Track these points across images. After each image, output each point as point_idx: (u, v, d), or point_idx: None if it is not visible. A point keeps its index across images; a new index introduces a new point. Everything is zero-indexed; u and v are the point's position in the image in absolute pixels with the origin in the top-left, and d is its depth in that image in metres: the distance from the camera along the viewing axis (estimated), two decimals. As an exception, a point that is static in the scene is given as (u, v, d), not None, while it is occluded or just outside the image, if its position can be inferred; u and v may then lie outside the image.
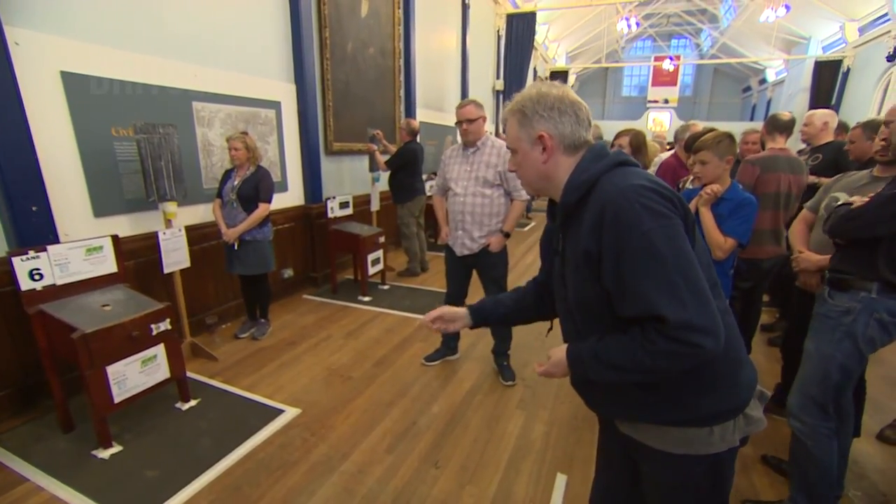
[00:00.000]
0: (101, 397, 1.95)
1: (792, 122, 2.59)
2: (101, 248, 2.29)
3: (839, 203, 1.59)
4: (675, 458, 0.93)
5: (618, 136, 2.86)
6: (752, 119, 18.17)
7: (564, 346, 0.97)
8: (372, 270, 4.11)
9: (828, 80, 9.88)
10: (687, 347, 0.77)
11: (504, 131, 1.03)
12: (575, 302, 0.94)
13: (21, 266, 1.99)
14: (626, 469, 1.11)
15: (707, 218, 1.88)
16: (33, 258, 2.03)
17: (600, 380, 0.91)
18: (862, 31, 9.25)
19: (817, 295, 1.69)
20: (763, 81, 17.40)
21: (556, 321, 1.24)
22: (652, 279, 0.77)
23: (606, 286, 0.84)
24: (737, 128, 2.80)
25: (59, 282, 2.12)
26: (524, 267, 5.32)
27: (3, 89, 2.03)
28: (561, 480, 1.90)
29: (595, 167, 0.88)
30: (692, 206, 1.92)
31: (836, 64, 9.78)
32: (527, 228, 7.77)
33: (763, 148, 2.79)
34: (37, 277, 2.04)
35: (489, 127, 8.06)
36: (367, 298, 4.03)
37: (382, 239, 4.23)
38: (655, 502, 1.05)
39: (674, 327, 0.76)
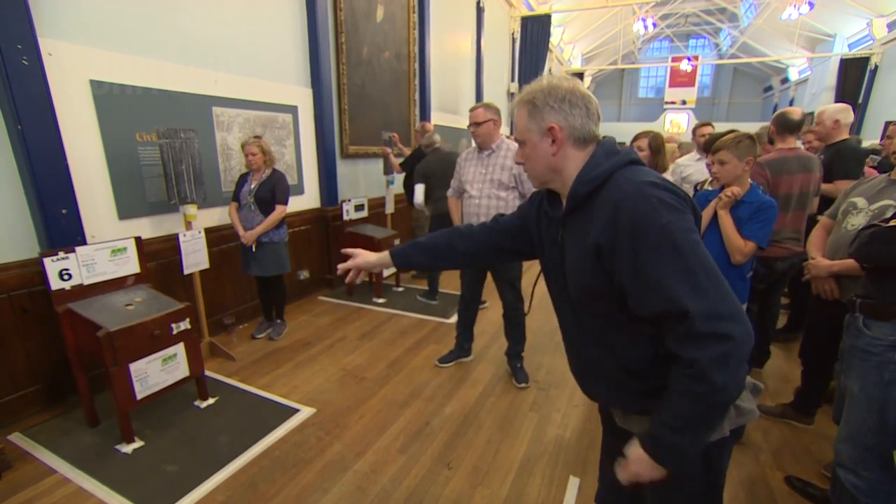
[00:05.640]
0: (125, 394, 2.01)
1: (802, 122, 2.46)
2: (124, 249, 2.37)
3: (864, 226, 1.42)
4: None
5: (636, 137, 2.83)
6: (773, 119, 17.71)
7: (636, 443, 0.91)
8: (387, 272, 4.15)
9: (854, 79, 9.60)
10: (718, 342, 0.75)
11: (512, 122, 1.02)
12: (575, 293, 0.95)
13: (51, 266, 2.08)
14: None
15: (727, 222, 1.84)
16: (63, 259, 2.11)
17: (698, 446, 0.85)
18: (891, 27, 8.94)
19: (847, 322, 1.48)
20: (785, 80, 16.96)
21: (535, 303, 1.26)
22: (673, 271, 0.78)
23: (621, 282, 0.83)
24: (757, 129, 2.73)
25: (87, 282, 2.20)
26: (539, 268, 5.27)
27: (38, 98, 2.12)
28: (574, 483, 1.88)
29: (609, 162, 0.89)
30: (710, 208, 1.89)
31: (863, 61, 9.50)
32: (541, 231, 7.71)
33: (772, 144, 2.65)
34: (66, 277, 2.13)
35: (504, 130, 8.05)
36: (381, 300, 4.07)
37: (397, 241, 4.25)
38: (655, 498, 1.04)
39: (699, 320, 0.75)
